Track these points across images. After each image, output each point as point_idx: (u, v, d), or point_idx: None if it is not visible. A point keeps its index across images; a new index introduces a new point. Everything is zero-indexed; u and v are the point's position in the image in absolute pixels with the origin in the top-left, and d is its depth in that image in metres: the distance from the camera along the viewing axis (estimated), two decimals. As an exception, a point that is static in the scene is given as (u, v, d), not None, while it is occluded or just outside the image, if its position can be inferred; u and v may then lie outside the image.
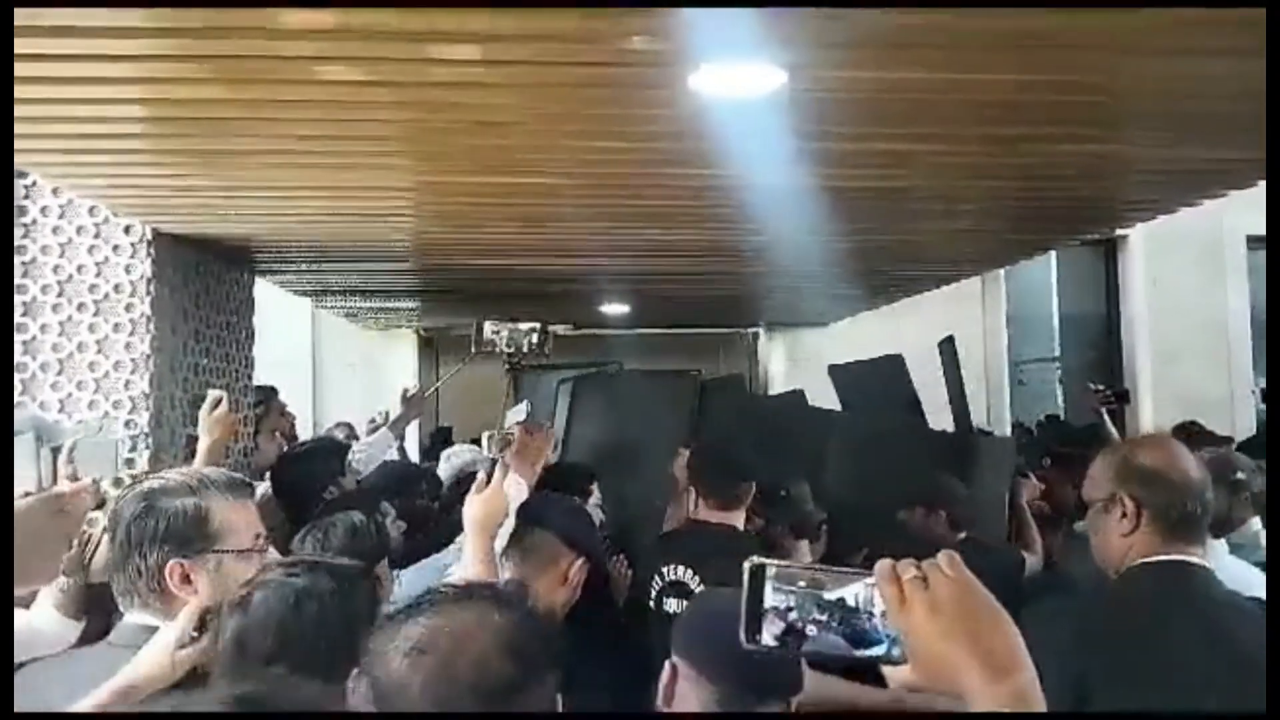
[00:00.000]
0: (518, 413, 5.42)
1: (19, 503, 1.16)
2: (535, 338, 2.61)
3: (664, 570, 2.83)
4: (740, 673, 1.48)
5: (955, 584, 0.86)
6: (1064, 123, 2.45)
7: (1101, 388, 4.96)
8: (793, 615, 0.89)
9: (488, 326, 2.63)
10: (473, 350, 2.67)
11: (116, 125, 2.35)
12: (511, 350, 2.63)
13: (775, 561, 0.91)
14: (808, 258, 4.13)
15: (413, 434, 5.86)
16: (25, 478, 1.19)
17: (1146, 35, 1.88)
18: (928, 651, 0.84)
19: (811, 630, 0.89)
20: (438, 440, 6.50)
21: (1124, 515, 1.81)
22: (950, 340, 4.83)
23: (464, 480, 4.55)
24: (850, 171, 2.83)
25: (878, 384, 4.81)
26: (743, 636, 0.90)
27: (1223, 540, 2.78)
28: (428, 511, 4.04)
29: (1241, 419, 6.58)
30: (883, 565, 0.88)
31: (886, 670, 0.90)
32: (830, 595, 0.88)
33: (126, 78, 2.03)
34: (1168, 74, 2.12)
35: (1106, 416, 4.83)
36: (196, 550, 1.61)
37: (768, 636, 0.89)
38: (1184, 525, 1.78)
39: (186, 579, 1.60)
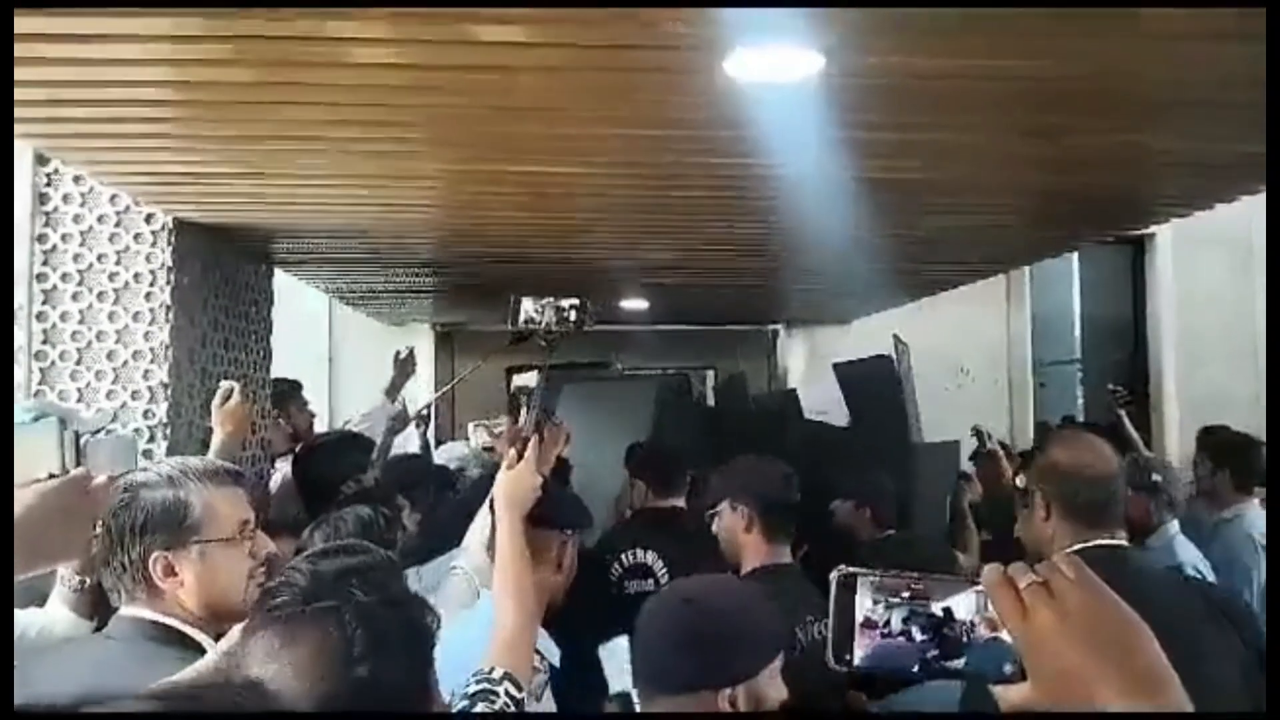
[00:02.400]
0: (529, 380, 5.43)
1: (46, 482, 1.14)
2: (575, 314, 2.55)
3: (624, 556, 3.13)
4: (639, 667, 1.56)
5: (1084, 590, 0.75)
6: (1102, 114, 2.39)
7: (1120, 389, 5.06)
8: (889, 630, 0.79)
9: (527, 304, 2.55)
10: (510, 328, 2.61)
11: (140, 109, 2.31)
12: (552, 329, 2.56)
13: (868, 571, 0.81)
14: (834, 252, 4.08)
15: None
16: (50, 460, 1.17)
17: (1184, 22, 1.83)
18: (1055, 667, 0.74)
19: (911, 647, 0.78)
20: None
21: (1038, 507, 1.97)
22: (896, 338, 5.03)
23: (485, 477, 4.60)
24: (882, 162, 2.77)
25: (870, 381, 5.05)
26: (830, 657, 0.80)
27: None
28: (443, 505, 4.01)
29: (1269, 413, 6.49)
30: (992, 571, 0.78)
31: (997, 690, 0.78)
32: (935, 607, 0.79)
33: (150, 59, 1.99)
34: (1206, 63, 2.06)
35: (1125, 417, 4.85)
36: (179, 542, 1.59)
37: (860, 656, 0.79)
38: (1093, 513, 1.91)
39: (171, 571, 1.58)
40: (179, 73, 2.09)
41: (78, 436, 1.24)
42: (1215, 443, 4.00)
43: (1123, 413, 4.99)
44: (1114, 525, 1.92)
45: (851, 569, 0.81)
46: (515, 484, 2.10)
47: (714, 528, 2.74)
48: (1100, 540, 1.90)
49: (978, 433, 5.02)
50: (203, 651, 1.46)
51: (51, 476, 1.16)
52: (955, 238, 3.95)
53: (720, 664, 1.52)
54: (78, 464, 1.23)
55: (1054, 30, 1.86)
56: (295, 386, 4.29)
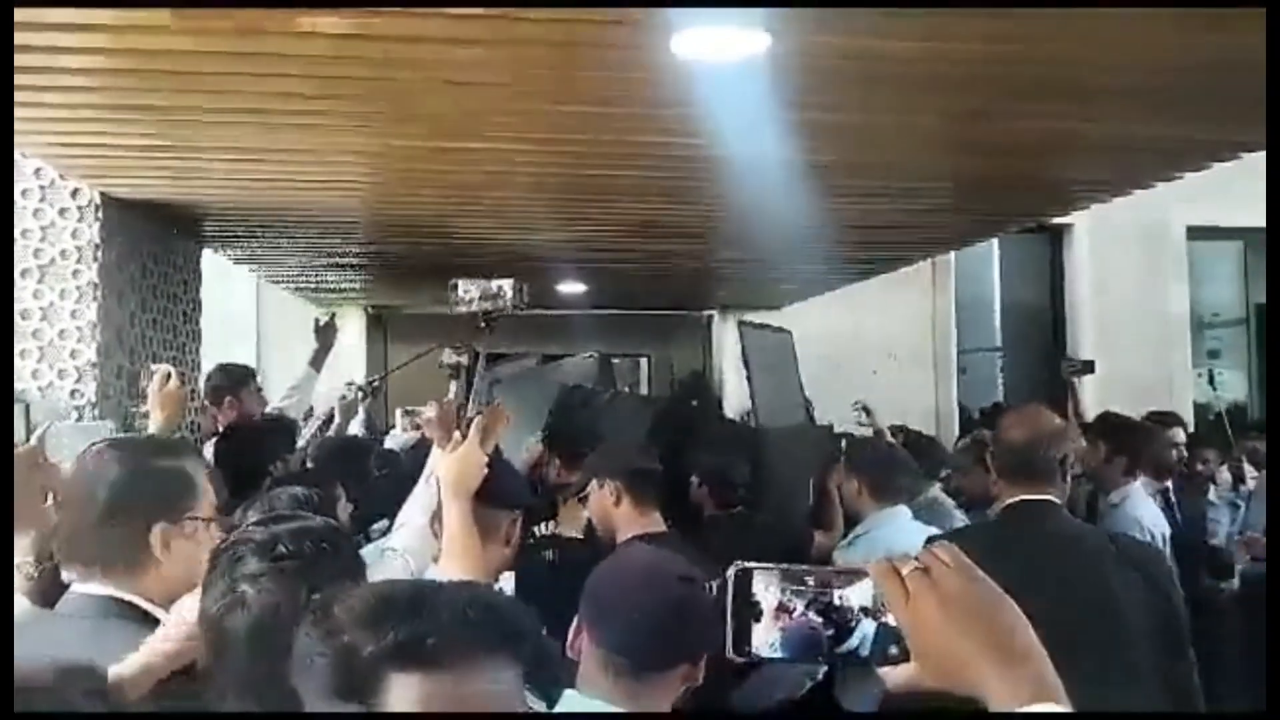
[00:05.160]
0: (455, 354, 5.45)
1: None
2: (510, 292, 2.57)
3: (534, 529, 3.21)
4: (624, 642, 1.53)
5: (961, 575, 0.81)
6: (1033, 98, 2.47)
7: (1073, 359, 5.62)
8: (786, 619, 0.83)
9: (461, 285, 2.58)
10: (450, 311, 2.62)
11: (68, 77, 2.25)
12: (489, 310, 2.58)
13: (764, 565, 0.85)
14: (769, 236, 4.14)
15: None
16: None
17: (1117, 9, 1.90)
18: (937, 646, 0.80)
19: (805, 634, 0.83)
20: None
21: (987, 466, 2.36)
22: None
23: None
24: (821, 145, 2.82)
25: (772, 351, 5.13)
26: (729, 647, 0.84)
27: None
28: (379, 487, 3.98)
29: (1180, 401, 6.75)
30: (879, 560, 0.84)
31: (883, 671, 0.83)
32: (833, 595, 0.83)
33: (79, 24, 1.93)
34: (1133, 49, 2.15)
35: (1077, 386, 5.25)
36: (176, 515, 1.55)
37: (759, 645, 0.84)
38: (1023, 472, 2.19)
39: (166, 544, 1.54)
40: (110, 39, 2.03)
41: (28, 408, 1.22)
42: (1111, 427, 4.14)
43: (1076, 381, 5.20)
44: (1043, 484, 2.16)
45: (748, 564, 0.85)
46: (462, 465, 2.07)
47: (585, 512, 2.79)
48: (1029, 495, 2.16)
49: (862, 409, 5.18)
50: None
51: None
52: (888, 222, 4.04)
53: (707, 635, 1.57)
54: (28, 438, 1.20)
55: (995, 13, 1.92)
56: (249, 372, 4.23)
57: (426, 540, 2.36)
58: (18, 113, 2.53)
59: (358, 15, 1.89)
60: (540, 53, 2.10)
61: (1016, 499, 2.19)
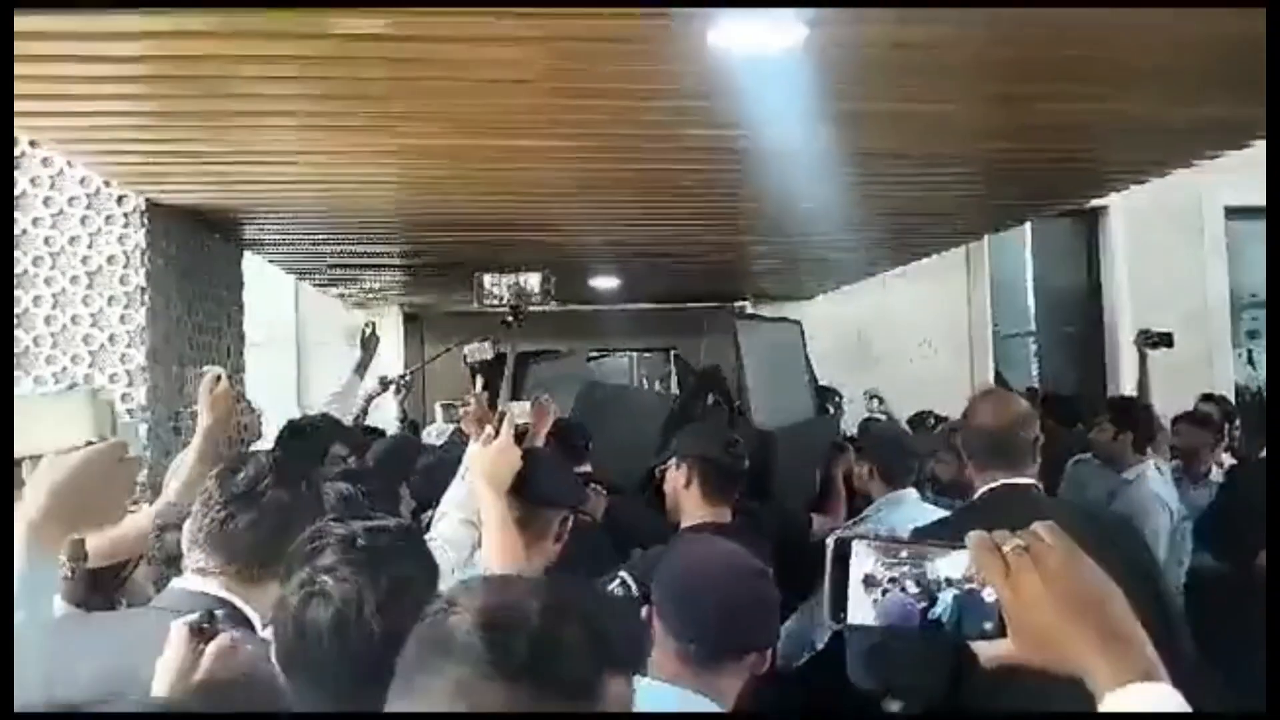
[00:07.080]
0: (481, 350, 5.48)
1: (89, 448, 1.15)
2: (538, 284, 2.59)
3: None
4: (702, 632, 1.56)
5: (1063, 553, 0.81)
6: (1070, 81, 2.46)
7: (1150, 330, 5.15)
8: (883, 590, 0.85)
9: (488, 280, 2.61)
10: (474, 305, 2.65)
11: (112, 85, 2.30)
12: (516, 301, 2.61)
13: (863, 535, 0.87)
14: (803, 225, 4.13)
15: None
16: (83, 428, 1.18)
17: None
18: (1037, 624, 0.79)
19: (902, 603, 0.85)
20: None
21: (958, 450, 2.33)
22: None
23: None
24: (855, 132, 2.82)
25: (774, 343, 5.08)
26: (828, 614, 0.87)
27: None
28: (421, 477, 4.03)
29: (1220, 382, 6.67)
30: (979, 535, 0.84)
31: (977, 646, 0.83)
32: (927, 568, 0.85)
33: (122, 32, 1.97)
34: (1164, 29, 2.13)
35: (1147, 358, 4.96)
36: None
37: (855, 614, 0.85)
38: (998, 457, 2.17)
39: None
40: (152, 46, 2.07)
41: (111, 406, 1.25)
42: (1118, 406, 4.20)
43: (1149, 352, 5.03)
44: (1014, 467, 2.16)
45: (846, 535, 0.88)
46: (496, 461, 2.06)
47: (664, 485, 2.80)
48: (1003, 480, 2.15)
49: (875, 396, 5.15)
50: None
51: (89, 443, 1.17)
52: (923, 209, 4.02)
53: (777, 625, 1.67)
54: (113, 430, 1.24)
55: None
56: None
57: (465, 531, 2.40)
58: (65, 122, 2.60)
59: (394, 16, 1.92)
60: (574, 49, 2.12)
61: (996, 483, 2.19)
